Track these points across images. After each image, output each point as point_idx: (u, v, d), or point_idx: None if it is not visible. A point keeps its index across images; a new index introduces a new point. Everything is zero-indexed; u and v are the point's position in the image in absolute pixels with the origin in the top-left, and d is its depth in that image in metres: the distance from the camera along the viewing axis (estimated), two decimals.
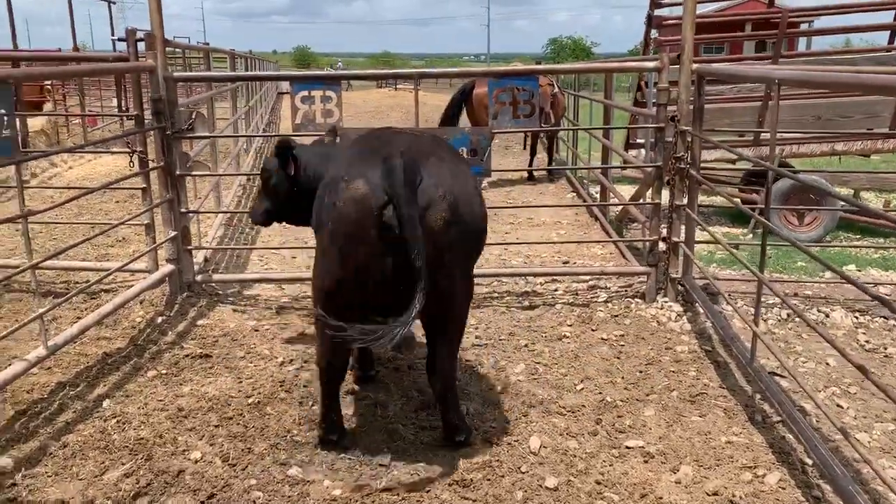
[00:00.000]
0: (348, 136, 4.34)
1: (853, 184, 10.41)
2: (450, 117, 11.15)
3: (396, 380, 4.32)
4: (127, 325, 5.14)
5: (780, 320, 5.32)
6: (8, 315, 5.34)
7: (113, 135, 14.10)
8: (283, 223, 4.38)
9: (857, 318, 5.30)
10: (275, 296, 5.81)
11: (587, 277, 6.13)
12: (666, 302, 5.56)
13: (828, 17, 10.56)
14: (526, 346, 4.85)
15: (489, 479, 3.29)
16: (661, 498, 3.18)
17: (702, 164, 8.35)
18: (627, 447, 3.59)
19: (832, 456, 3.21)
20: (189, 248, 5.65)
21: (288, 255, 6.95)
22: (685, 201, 5.44)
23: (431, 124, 12.01)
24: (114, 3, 19.03)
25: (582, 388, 4.24)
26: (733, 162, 9.05)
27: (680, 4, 5.75)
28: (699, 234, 5.83)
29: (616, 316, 5.40)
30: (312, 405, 3.97)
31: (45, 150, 9.37)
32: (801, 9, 10.05)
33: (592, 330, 5.15)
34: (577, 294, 5.87)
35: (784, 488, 3.25)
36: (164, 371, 4.42)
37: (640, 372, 4.47)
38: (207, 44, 19.64)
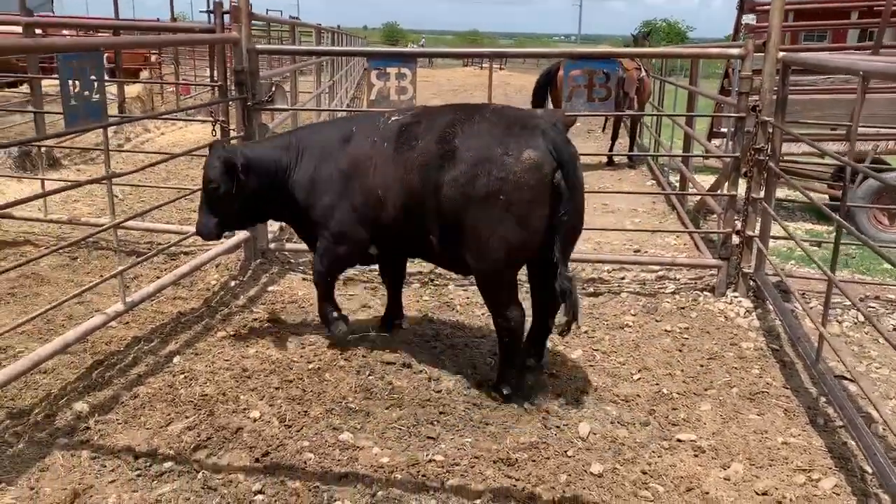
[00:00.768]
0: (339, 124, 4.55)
1: None
2: (537, 99, 11.08)
3: (452, 356, 4.38)
4: (202, 286, 5.37)
5: (855, 323, 5.11)
6: (94, 271, 5.66)
7: (201, 103, 14.64)
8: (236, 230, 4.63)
9: None
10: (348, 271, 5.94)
11: (656, 267, 6.03)
12: (735, 297, 5.42)
13: None
14: (586, 332, 4.83)
15: (534, 461, 3.32)
16: (707, 493, 3.14)
17: (790, 157, 8.09)
18: (679, 440, 3.55)
19: (892, 466, 3.09)
20: None
21: None
22: (762, 194, 5.26)
23: (514, 104, 11.94)
24: None
25: (639, 379, 4.20)
26: (822, 156, 8.67)
27: None
28: (776, 230, 5.64)
29: (682, 308, 5.31)
30: (369, 375, 4.08)
31: (131, 116, 9.81)
32: None
33: (656, 321, 5.07)
34: (644, 284, 5.78)
35: (838, 494, 3.16)
36: (232, 332, 4.61)
37: (701, 366, 4.39)
38: (298, 18, 20.03)
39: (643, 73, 11.35)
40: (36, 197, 4.26)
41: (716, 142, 9.04)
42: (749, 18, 9.61)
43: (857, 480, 3.27)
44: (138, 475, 3.13)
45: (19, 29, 8.44)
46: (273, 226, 6.36)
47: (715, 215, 7.30)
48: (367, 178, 4.01)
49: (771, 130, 5.10)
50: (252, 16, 5.62)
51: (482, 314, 5.06)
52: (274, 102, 5.70)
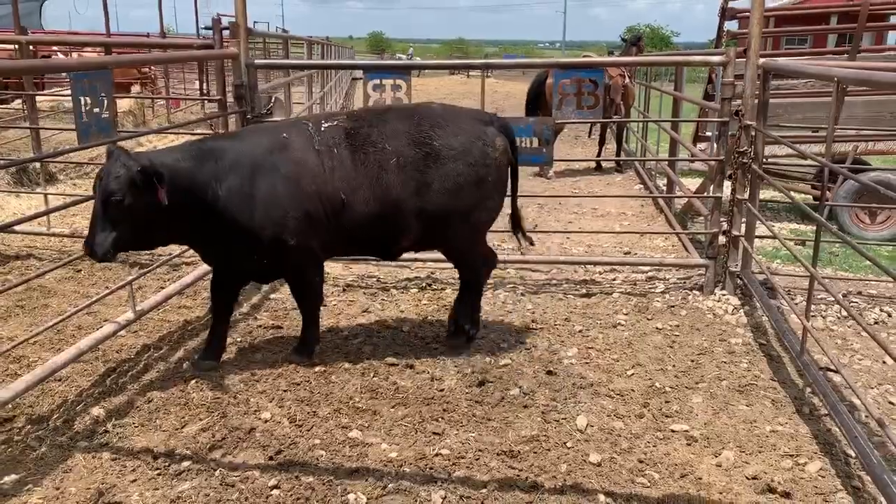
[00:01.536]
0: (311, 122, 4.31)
1: None
2: (529, 108, 11.30)
3: (453, 356, 4.54)
4: (206, 295, 5.50)
5: (839, 318, 5.31)
6: (99, 283, 5.79)
7: (196, 117, 14.77)
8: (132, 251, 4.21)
9: None
10: (342, 274, 6.09)
11: (646, 268, 6.22)
12: (723, 295, 5.61)
13: None
14: (580, 331, 5.00)
15: (535, 452, 3.48)
16: (700, 478, 3.31)
17: (774, 160, 8.31)
18: (672, 430, 3.72)
19: (874, 449, 3.27)
20: None
21: None
22: (746, 196, 5.47)
23: (501, 111, 12.14)
24: None
25: (632, 374, 4.38)
26: (805, 158, 8.91)
27: None
28: (760, 229, 5.84)
29: (672, 307, 5.49)
30: (373, 376, 4.23)
31: (140, 130, 9.95)
32: (886, 1, 9.74)
33: (648, 319, 5.25)
34: (635, 284, 5.97)
35: (824, 477, 3.34)
36: (238, 339, 4.76)
37: (692, 361, 4.57)
38: (286, 30, 20.22)
39: (627, 80, 11.58)
40: (50, 211, 4.44)
41: (701, 145, 9.25)
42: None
43: (842, 464, 3.46)
44: (158, 474, 3.27)
45: (10, 46, 8.60)
46: None
47: (701, 217, 7.51)
48: (325, 185, 4.02)
49: (753, 134, 5.30)
50: (249, 31, 5.77)
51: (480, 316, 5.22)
52: (273, 114, 5.85)
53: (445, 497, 3.12)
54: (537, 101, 11.20)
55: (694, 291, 5.74)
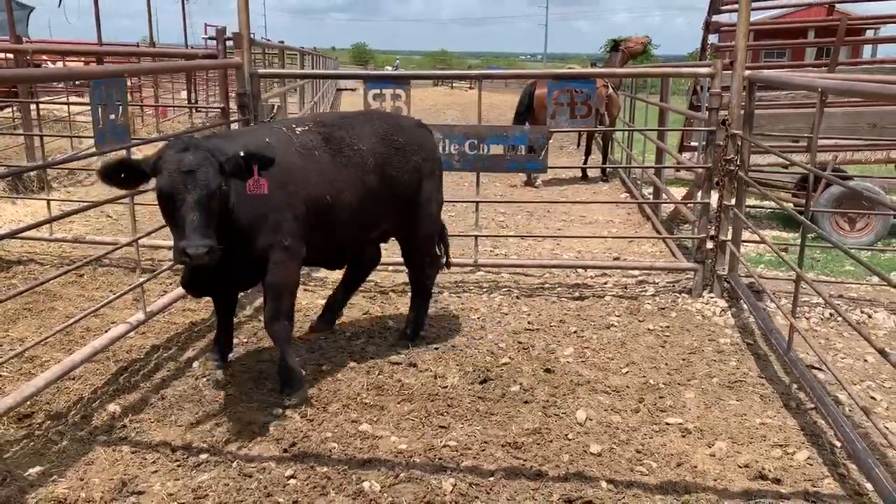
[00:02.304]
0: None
1: None
2: (518, 118, 11.51)
3: (454, 356, 4.70)
4: (209, 299, 5.62)
5: (822, 319, 5.53)
6: (103, 286, 5.89)
7: (183, 127, 14.88)
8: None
9: None
10: (339, 279, 6.22)
11: (636, 272, 6.42)
12: (711, 297, 5.82)
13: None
14: (575, 332, 5.18)
15: (538, 444, 3.65)
16: (695, 467, 3.49)
17: (756, 169, 8.57)
18: (667, 423, 3.91)
19: (859, 438, 3.46)
20: None
21: None
22: (733, 202, 5.69)
23: (485, 121, 12.36)
24: (187, 0, 19.89)
25: (627, 372, 4.56)
26: (786, 167, 9.18)
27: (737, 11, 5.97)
28: (746, 235, 6.07)
29: (663, 309, 5.69)
30: (378, 374, 4.38)
31: (149, 137, 10.06)
32: (862, 17, 10.07)
33: (639, 321, 5.44)
34: (625, 287, 6.17)
35: (811, 465, 3.53)
36: (245, 339, 4.89)
37: (683, 360, 4.76)
38: (270, 40, 20.39)
39: (610, 90, 11.84)
40: (56, 218, 4.54)
41: (686, 155, 9.51)
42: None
43: (828, 454, 3.65)
44: (178, 465, 3.40)
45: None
46: None
47: (687, 224, 7.75)
48: (310, 187, 4.05)
49: (740, 143, 5.53)
50: (251, 42, 5.93)
51: (477, 318, 5.40)
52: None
53: (455, 485, 3.28)
54: (528, 112, 11.43)
55: (683, 294, 5.94)
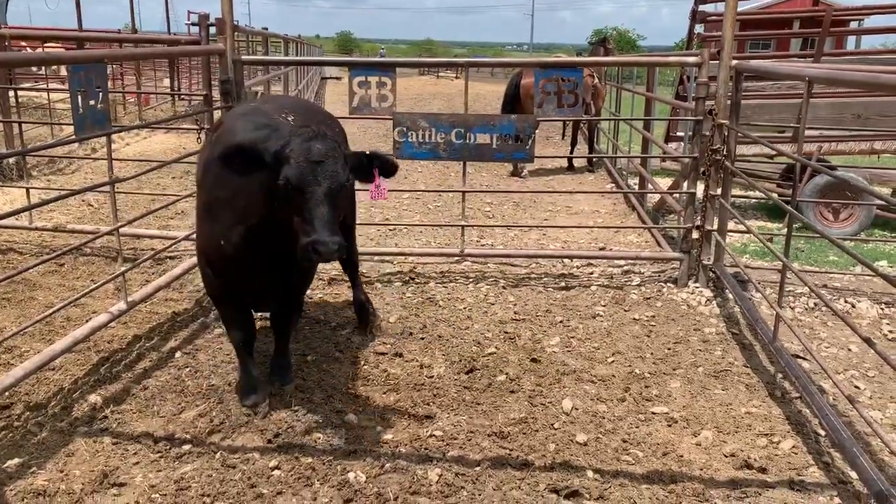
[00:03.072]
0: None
1: (892, 182, 10.46)
2: (506, 109, 11.45)
3: (440, 346, 4.67)
4: (192, 288, 5.57)
5: (806, 309, 5.55)
6: (83, 276, 5.81)
7: (165, 115, 14.72)
8: None
9: (882, 309, 5.51)
10: (326, 268, 6.18)
11: (622, 262, 6.42)
12: (697, 287, 5.83)
13: (879, 17, 10.62)
14: (561, 322, 5.17)
15: (525, 433, 3.64)
16: (681, 456, 3.49)
17: (741, 159, 8.58)
18: (653, 413, 3.90)
19: (844, 427, 3.47)
20: None
21: None
22: (719, 192, 5.68)
23: (472, 111, 12.32)
24: None
25: (613, 361, 4.55)
26: (771, 157, 9.21)
27: (724, 0, 5.96)
28: (732, 225, 6.07)
29: (648, 298, 5.69)
30: (364, 364, 4.35)
31: (130, 125, 9.92)
32: (847, 7, 10.10)
33: (625, 310, 5.44)
34: (611, 277, 6.16)
35: (796, 453, 3.54)
36: None
37: (669, 349, 4.76)
38: (251, 26, 20.19)
39: (596, 80, 11.82)
40: (38, 205, 4.46)
41: (672, 145, 9.51)
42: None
43: (812, 442, 3.66)
44: (160, 457, 3.36)
45: None
46: None
47: (673, 214, 7.75)
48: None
49: (726, 132, 5.52)
50: (235, 28, 5.84)
51: (463, 308, 5.37)
52: None
53: (441, 475, 3.26)
54: (515, 102, 11.38)
55: (668, 284, 5.94)
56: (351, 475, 3.23)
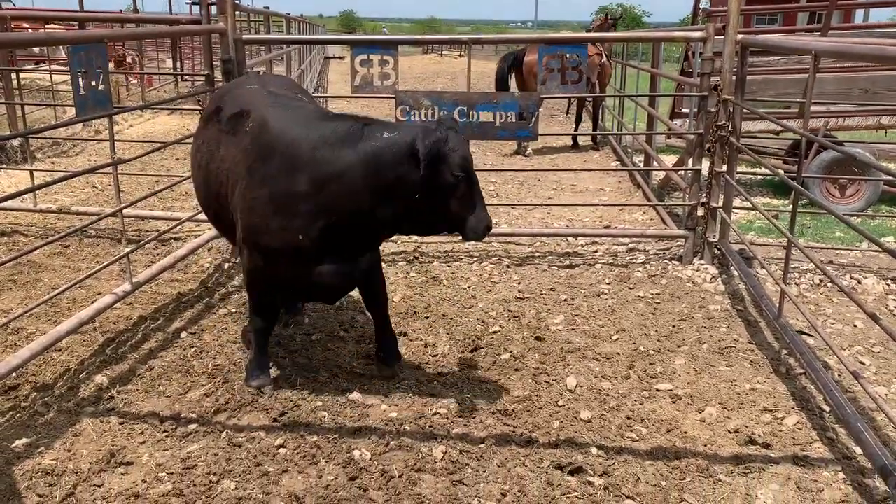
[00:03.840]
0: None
1: None
2: (499, 85, 11.39)
3: (444, 325, 4.68)
4: (196, 269, 5.58)
5: (812, 285, 5.53)
6: (88, 257, 5.82)
7: (168, 96, 14.67)
8: None
9: (888, 285, 5.48)
10: None
11: (627, 240, 6.40)
12: (702, 264, 5.81)
13: None
14: (566, 300, 5.17)
15: (529, 410, 3.65)
16: (685, 433, 3.49)
17: (746, 135, 8.52)
18: (657, 390, 3.91)
19: (848, 403, 3.47)
20: None
21: None
22: (724, 168, 5.65)
23: (475, 89, 12.24)
24: None
25: (617, 339, 4.55)
26: (777, 133, 9.14)
27: None
28: (737, 202, 6.04)
29: (653, 276, 5.67)
30: (368, 343, 4.36)
31: (132, 106, 9.88)
32: None
33: (630, 288, 5.43)
34: (616, 255, 6.15)
35: (801, 429, 3.54)
36: (233, 310, 4.85)
37: (673, 326, 4.76)
38: (267, 7, 20.05)
39: (604, 59, 11.72)
40: (45, 185, 4.45)
41: (677, 122, 9.44)
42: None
43: (817, 418, 3.66)
44: (166, 436, 3.38)
45: None
46: None
47: (678, 192, 7.71)
48: None
49: (732, 108, 5.47)
50: (236, 7, 5.80)
51: (468, 287, 5.37)
52: None
53: (446, 452, 3.27)
54: (508, 78, 11.34)
55: (673, 261, 5.93)
56: (356, 453, 3.25)
